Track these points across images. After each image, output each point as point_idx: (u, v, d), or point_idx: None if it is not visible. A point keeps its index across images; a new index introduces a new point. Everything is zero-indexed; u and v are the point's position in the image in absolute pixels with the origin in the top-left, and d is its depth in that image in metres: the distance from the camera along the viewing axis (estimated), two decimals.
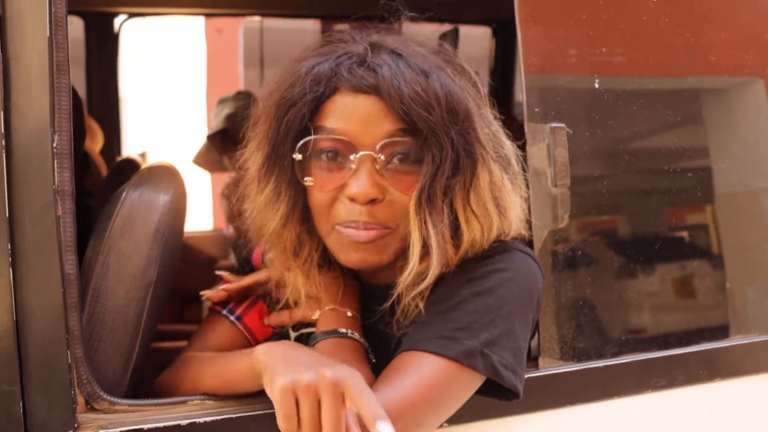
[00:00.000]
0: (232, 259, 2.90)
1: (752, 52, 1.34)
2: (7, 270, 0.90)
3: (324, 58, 1.01)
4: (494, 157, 1.02)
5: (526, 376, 1.11)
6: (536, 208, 1.13)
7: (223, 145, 2.80)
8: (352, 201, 0.99)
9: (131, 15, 2.99)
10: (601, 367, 1.16)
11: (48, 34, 0.93)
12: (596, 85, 1.18)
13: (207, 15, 3.06)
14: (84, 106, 2.64)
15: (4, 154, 0.91)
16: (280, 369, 0.83)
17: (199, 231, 3.57)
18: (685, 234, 1.26)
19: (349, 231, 1.00)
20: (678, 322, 1.24)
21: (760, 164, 1.34)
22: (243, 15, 3.26)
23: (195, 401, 1.02)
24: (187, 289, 2.81)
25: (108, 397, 0.98)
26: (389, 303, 1.03)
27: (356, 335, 1.07)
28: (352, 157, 0.98)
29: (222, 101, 2.79)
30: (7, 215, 0.91)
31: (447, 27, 2.85)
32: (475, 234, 1.00)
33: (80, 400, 0.96)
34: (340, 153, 1.00)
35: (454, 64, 1.04)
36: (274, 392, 0.81)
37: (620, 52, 1.21)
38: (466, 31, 3.18)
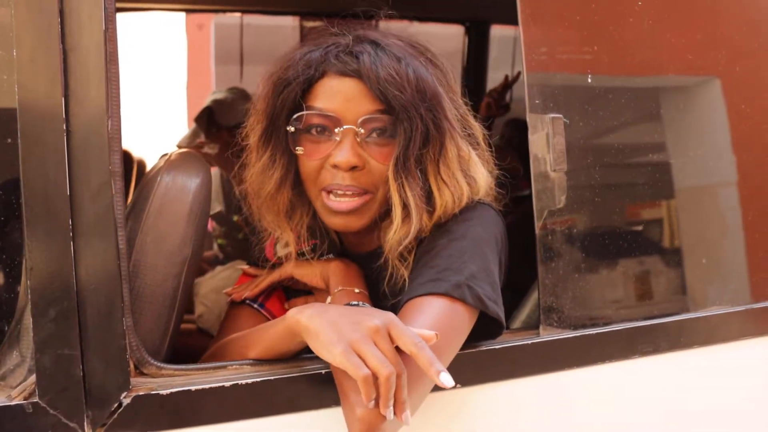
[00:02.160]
0: (215, 249, 2.96)
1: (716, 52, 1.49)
2: (69, 244, 0.98)
3: (315, 46, 1.17)
4: (461, 134, 1.19)
5: (528, 342, 1.24)
6: (537, 190, 1.25)
7: (207, 126, 2.89)
8: (336, 168, 1.15)
9: (117, 10, 3.02)
10: (594, 334, 1.29)
11: (103, 27, 1.01)
12: (589, 81, 1.31)
13: (188, 11, 3.12)
14: None
15: (65, 138, 0.98)
16: (330, 336, 0.94)
17: None
18: (667, 217, 1.40)
19: (331, 203, 1.17)
20: (658, 296, 1.38)
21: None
22: (223, 11, 3.32)
23: (234, 366, 1.11)
24: None
25: (155, 363, 1.07)
26: (378, 263, 1.19)
27: (367, 305, 1.18)
28: (337, 130, 1.14)
29: (215, 92, 2.89)
30: (68, 193, 0.98)
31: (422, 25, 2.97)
32: (446, 200, 1.16)
33: (131, 365, 1.04)
34: (326, 127, 1.15)
35: (425, 54, 1.20)
36: (336, 358, 0.92)
37: (609, 51, 1.34)
38: (439, 29, 3.31)
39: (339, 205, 1.16)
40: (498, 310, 1.11)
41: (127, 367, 1.02)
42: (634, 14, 1.36)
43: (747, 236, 1.49)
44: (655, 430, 1.35)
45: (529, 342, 1.24)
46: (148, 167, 3.00)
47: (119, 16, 3.09)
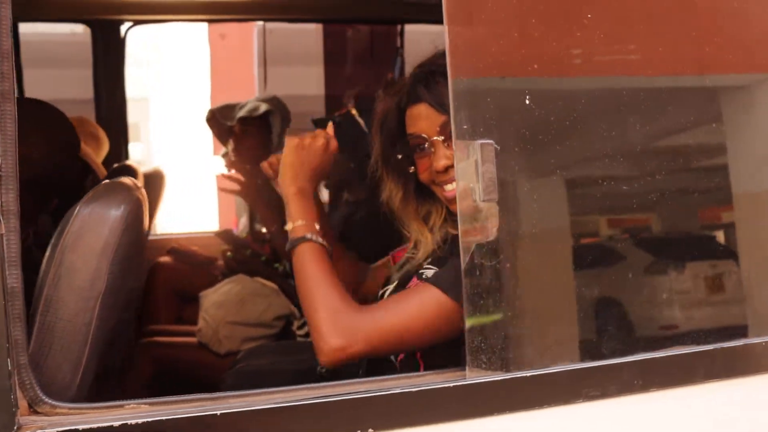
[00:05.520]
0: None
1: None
2: None
3: (398, 90, 1.50)
4: None
5: (452, 384, 1.17)
6: (464, 223, 1.18)
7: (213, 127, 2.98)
8: (438, 173, 1.40)
9: (136, 22, 3.10)
10: (529, 376, 1.20)
11: None
12: (527, 102, 1.22)
13: (210, 21, 3.15)
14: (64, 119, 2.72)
15: None
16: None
17: (196, 232, 3.67)
18: (615, 246, 1.29)
19: (445, 193, 1.41)
20: (607, 334, 1.27)
21: None
22: (247, 20, 3.35)
23: (131, 405, 1.08)
24: (185, 289, 2.92)
25: (50, 401, 1.06)
26: None
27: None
28: (426, 145, 1.41)
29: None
30: None
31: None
32: None
33: (23, 403, 1.04)
34: (421, 145, 1.42)
35: None
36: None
37: (556, 56, 1.25)
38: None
39: (450, 193, 1.38)
40: None
41: (11, 407, 1.01)
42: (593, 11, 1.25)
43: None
44: None
45: (453, 384, 1.17)
46: (166, 182, 3.07)
47: (142, 28, 3.16)
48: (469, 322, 1.18)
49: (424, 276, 1.41)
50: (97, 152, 2.86)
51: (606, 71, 1.33)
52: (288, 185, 1.41)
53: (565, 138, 1.26)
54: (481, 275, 1.18)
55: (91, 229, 1.20)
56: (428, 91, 1.39)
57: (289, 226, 1.38)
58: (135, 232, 1.27)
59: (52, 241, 1.21)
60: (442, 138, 1.39)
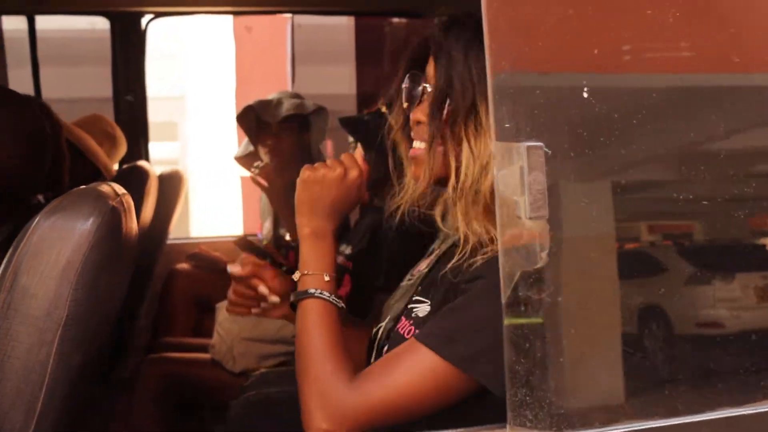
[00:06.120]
0: None
1: None
2: None
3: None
4: None
5: None
6: (506, 244, 0.94)
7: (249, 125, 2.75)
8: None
9: (157, 15, 2.93)
10: None
11: None
12: (585, 95, 0.97)
13: (235, 13, 2.97)
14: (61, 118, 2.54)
15: None
16: None
17: (216, 236, 3.49)
18: (693, 278, 1.04)
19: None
20: (686, 386, 1.02)
21: None
22: (271, 13, 3.16)
23: None
24: (204, 297, 2.74)
25: None
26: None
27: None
28: (421, 89, 1.19)
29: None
30: None
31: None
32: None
33: None
34: (418, 87, 1.21)
35: None
36: None
37: (611, 48, 1.00)
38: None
39: (414, 151, 1.20)
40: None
41: None
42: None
43: None
44: None
45: None
46: (185, 184, 2.89)
47: (163, 20, 3.00)
48: (510, 370, 0.94)
49: (413, 315, 1.18)
50: (112, 152, 2.70)
51: (680, 68, 1.08)
52: (302, 226, 1.23)
53: (632, 140, 1.01)
54: (527, 311, 0.94)
55: (51, 245, 0.99)
56: (445, 36, 1.17)
57: (296, 276, 1.23)
58: (108, 249, 1.06)
59: (5, 260, 1.01)
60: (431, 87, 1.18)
